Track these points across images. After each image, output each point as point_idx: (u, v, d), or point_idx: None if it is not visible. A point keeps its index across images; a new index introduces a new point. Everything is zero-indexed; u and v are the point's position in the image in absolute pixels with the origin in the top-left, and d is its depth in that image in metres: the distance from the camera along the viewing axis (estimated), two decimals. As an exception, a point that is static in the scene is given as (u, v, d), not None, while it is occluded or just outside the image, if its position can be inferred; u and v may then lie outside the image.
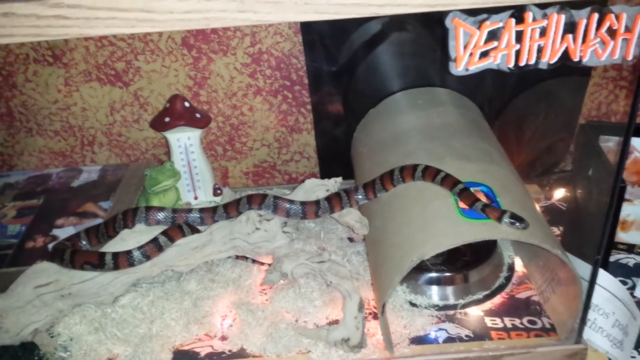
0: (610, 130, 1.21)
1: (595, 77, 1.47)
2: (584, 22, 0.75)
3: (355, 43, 1.37)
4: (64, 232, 1.22)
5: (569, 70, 1.40)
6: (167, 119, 1.28)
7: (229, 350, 1.03)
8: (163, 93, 1.47)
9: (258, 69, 1.45)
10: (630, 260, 1.27)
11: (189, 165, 1.34)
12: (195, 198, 1.38)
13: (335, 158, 1.52)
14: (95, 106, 1.50)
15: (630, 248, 1.27)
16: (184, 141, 1.31)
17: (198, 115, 1.31)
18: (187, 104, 1.30)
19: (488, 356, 0.99)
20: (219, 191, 1.38)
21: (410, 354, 1.00)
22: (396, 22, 1.35)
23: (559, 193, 1.42)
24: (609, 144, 1.20)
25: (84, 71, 1.45)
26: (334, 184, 1.16)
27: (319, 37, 1.36)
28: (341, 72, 1.40)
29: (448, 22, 0.74)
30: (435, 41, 1.38)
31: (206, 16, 0.71)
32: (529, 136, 1.49)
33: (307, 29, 1.34)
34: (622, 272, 1.23)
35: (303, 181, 1.20)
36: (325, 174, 1.53)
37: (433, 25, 1.34)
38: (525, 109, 1.45)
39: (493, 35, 0.76)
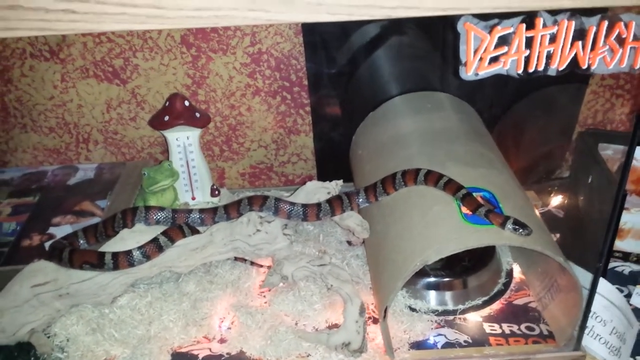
0: (609, 138, 1.22)
1: (592, 85, 1.48)
2: (594, 29, 0.75)
3: (356, 46, 1.37)
4: (60, 230, 1.20)
5: (568, 78, 1.40)
6: (166, 118, 1.27)
7: (228, 353, 1.02)
8: (161, 91, 1.46)
9: (257, 69, 1.44)
10: (626, 268, 1.27)
11: (188, 165, 1.33)
12: (193, 198, 1.37)
13: (333, 160, 1.51)
14: (92, 103, 1.48)
15: (625, 256, 1.28)
16: (183, 140, 1.30)
17: (198, 115, 1.30)
18: (186, 103, 1.29)
19: (488, 362, 0.99)
20: (216, 192, 1.36)
21: (410, 358, 1.00)
22: (397, 26, 1.35)
23: (556, 200, 1.42)
24: (608, 151, 1.21)
25: (81, 67, 1.43)
26: (334, 186, 1.16)
27: (321, 38, 1.35)
28: (341, 75, 1.40)
29: (460, 26, 0.74)
30: (435, 46, 1.38)
31: (216, 14, 0.70)
32: (526, 143, 1.49)
33: (309, 30, 1.34)
34: (617, 280, 1.23)
35: (300, 183, 1.19)
36: (322, 176, 1.53)
37: (434, 30, 1.34)
38: (523, 115, 1.46)
39: (503, 41, 0.75)
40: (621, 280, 1.23)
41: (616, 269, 1.27)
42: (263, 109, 1.50)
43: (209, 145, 1.54)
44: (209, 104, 1.48)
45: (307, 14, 0.70)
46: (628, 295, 1.18)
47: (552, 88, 1.41)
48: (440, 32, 1.35)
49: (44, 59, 1.42)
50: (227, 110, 1.49)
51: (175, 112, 1.27)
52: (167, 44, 1.41)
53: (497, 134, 1.43)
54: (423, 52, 1.40)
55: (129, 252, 1.02)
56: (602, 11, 0.76)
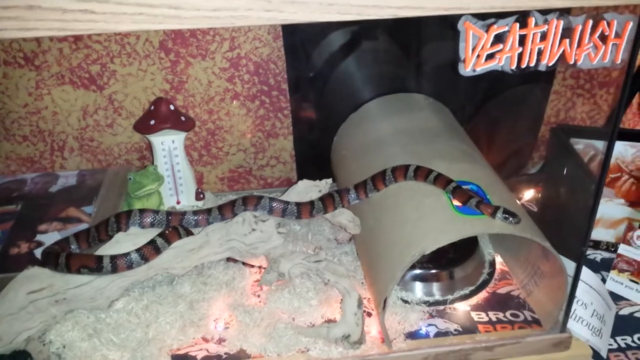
0: (580, 133, 1.29)
1: (555, 85, 1.56)
2: (580, 27, 0.81)
3: (335, 49, 1.40)
4: (48, 237, 1.18)
5: (534, 78, 1.48)
6: (152, 122, 1.27)
7: (228, 353, 1.03)
8: (139, 97, 1.46)
9: (236, 73, 1.46)
10: (597, 255, 1.35)
11: (173, 169, 1.33)
12: (178, 202, 1.37)
13: (313, 162, 1.54)
14: (67, 110, 1.46)
15: (596, 244, 1.35)
16: (168, 144, 1.31)
17: (183, 119, 1.31)
18: (172, 107, 1.29)
19: (481, 347, 1.03)
20: (201, 195, 1.37)
21: (407, 348, 1.04)
22: (376, 30, 1.39)
23: (528, 194, 1.49)
24: (579, 146, 1.28)
25: (57, 74, 1.41)
26: (325, 185, 1.19)
27: (301, 42, 1.38)
28: (321, 77, 1.43)
29: (460, 25, 0.78)
30: (411, 49, 1.43)
31: (233, 14, 0.72)
32: (496, 141, 1.56)
33: (289, 33, 1.37)
34: (590, 267, 1.29)
35: (279, 186, 1.21)
36: (302, 178, 1.55)
37: (411, 34, 1.39)
38: (493, 115, 1.52)
39: (499, 39, 0.80)
40: (594, 267, 1.29)
41: (588, 256, 1.34)
42: (242, 113, 1.51)
43: (188, 150, 1.54)
44: (187, 109, 1.48)
45: (319, 13, 0.73)
46: (602, 281, 1.25)
47: (519, 88, 1.48)
48: (417, 36, 1.40)
49: (18, 66, 1.39)
50: (205, 115, 1.50)
51: (161, 116, 1.27)
52: (146, 50, 1.41)
53: (468, 132, 1.49)
54: (399, 55, 1.45)
55: (127, 255, 1.02)
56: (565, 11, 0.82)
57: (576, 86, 1.58)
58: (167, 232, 1.06)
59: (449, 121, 1.34)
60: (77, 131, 1.49)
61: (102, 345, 1.01)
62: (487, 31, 0.79)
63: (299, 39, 1.38)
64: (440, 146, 1.20)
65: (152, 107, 1.29)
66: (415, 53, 1.43)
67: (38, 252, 1.14)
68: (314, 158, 1.53)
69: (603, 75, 1.57)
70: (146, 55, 1.41)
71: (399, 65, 1.45)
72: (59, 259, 1.00)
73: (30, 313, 0.99)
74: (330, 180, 1.21)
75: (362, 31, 1.39)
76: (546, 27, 0.80)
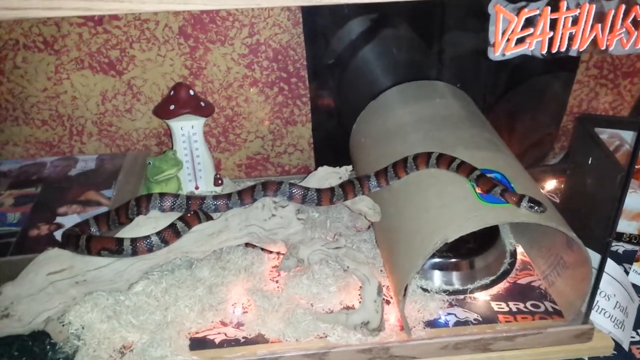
0: (604, 123, 1.27)
1: (578, 75, 1.54)
2: (612, 12, 0.79)
3: (354, 36, 1.39)
4: (68, 220, 1.19)
5: (557, 67, 1.46)
6: (172, 107, 1.27)
7: (246, 337, 1.03)
8: (157, 83, 1.45)
9: (255, 60, 1.45)
10: (620, 247, 1.33)
11: (192, 154, 1.33)
12: (197, 188, 1.37)
13: (331, 150, 1.53)
14: (86, 95, 1.46)
15: (619, 236, 1.33)
16: (188, 130, 1.30)
17: (202, 104, 1.30)
18: (191, 92, 1.29)
19: (502, 337, 1.02)
20: (219, 181, 1.37)
21: (426, 336, 1.03)
22: (396, 17, 1.38)
23: (549, 185, 1.47)
24: (603, 136, 1.26)
25: (76, 59, 1.41)
26: (345, 172, 1.18)
27: (321, 29, 1.37)
28: (340, 65, 1.42)
29: (490, 8, 0.76)
30: (433, 36, 1.41)
31: (259, -6, 0.71)
32: (518, 130, 1.54)
33: (309, 19, 1.35)
34: (612, 259, 1.27)
35: (296, 174, 1.20)
36: (320, 165, 1.54)
37: (432, 20, 1.38)
38: (515, 104, 1.50)
39: (529, 23, 0.79)
40: (617, 260, 1.27)
41: (611, 248, 1.32)
42: (260, 100, 1.50)
43: (206, 137, 1.53)
44: (206, 95, 1.48)
45: (344, -8, 0.72)
46: (625, 273, 1.23)
47: (542, 77, 1.46)
48: (438, 24, 1.38)
49: (37, 50, 1.39)
50: (224, 101, 1.50)
51: (181, 101, 1.27)
52: (165, 35, 1.40)
53: (489, 121, 1.48)
54: (419, 42, 1.43)
55: (147, 238, 1.02)
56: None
57: (599, 76, 1.55)
58: (187, 216, 1.06)
59: (471, 109, 1.33)
60: (96, 116, 1.49)
61: (121, 327, 1.02)
62: (517, 14, 0.78)
63: (319, 26, 1.37)
64: (463, 134, 1.18)
65: (172, 92, 1.29)
66: (436, 40, 1.41)
67: (58, 234, 1.14)
68: (332, 146, 1.52)
69: (627, 65, 1.54)
70: (165, 40, 1.41)
71: (419, 53, 1.44)
72: (79, 241, 1.00)
73: (50, 294, 1.00)
74: (350, 167, 1.20)
75: (382, 18, 1.37)
76: (578, 11, 0.79)
